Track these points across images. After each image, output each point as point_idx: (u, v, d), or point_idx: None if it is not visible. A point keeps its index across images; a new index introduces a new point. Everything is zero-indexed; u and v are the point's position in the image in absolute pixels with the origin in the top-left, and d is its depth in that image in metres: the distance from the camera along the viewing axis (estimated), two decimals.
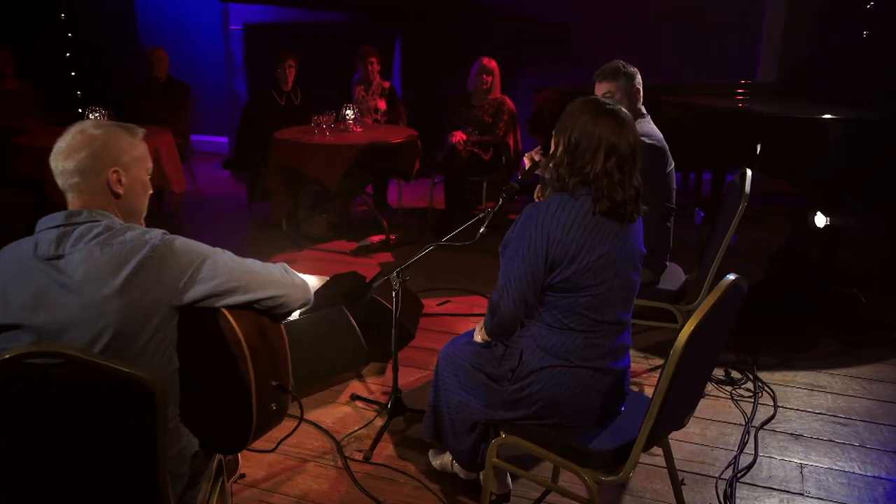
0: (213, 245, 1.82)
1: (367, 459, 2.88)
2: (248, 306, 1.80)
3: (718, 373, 3.55)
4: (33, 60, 7.75)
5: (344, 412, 3.24)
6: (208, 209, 6.47)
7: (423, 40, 7.72)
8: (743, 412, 3.25)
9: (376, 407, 3.24)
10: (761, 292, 4.53)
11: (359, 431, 3.08)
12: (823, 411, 3.28)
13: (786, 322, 4.15)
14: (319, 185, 5.41)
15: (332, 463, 2.87)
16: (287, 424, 3.08)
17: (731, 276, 2.01)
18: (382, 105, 6.19)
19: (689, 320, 1.88)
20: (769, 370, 3.63)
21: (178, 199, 5.52)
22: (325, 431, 3.07)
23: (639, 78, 3.26)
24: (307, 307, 1.98)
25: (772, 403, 3.32)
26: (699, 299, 3.33)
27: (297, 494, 2.68)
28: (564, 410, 2.20)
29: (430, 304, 4.34)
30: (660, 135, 3.20)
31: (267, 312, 1.85)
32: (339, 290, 3.76)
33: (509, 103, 5.91)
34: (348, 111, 5.46)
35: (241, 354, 1.76)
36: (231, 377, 1.78)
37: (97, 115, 5.20)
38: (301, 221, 5.58)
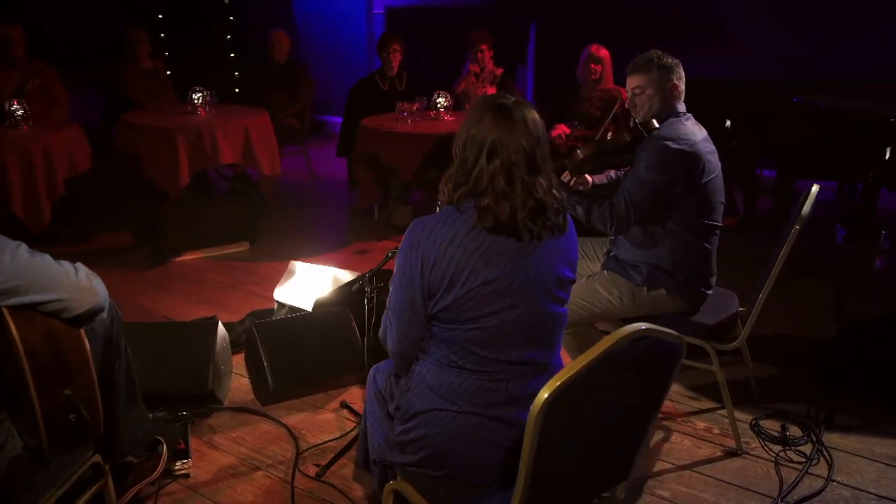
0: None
1: (318, 476, 2.65)
2: (32, 308, 1.64)
3: (772, 427, 2.95)
4: (195, 41, 8.28)
5: (325, 420, 3.03)
6: (312, 193, 6.50)
7: (560, 26, 7.28)
8: (781, 481, 2.66)
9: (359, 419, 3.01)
10: (878, 329, 3.76)
11: (330, 443, 2.86)
12: (892, 496, 2.60)
13: (892, 371, 3.39)
14: None
15: (281, 475, 2.68)
16: (264, 427, 2.99)
17: (639, 326, 1.57)
18: (492, 93, 5.88)
19: (547, 385, 1.48)
20: (844, 431, 2.96)
21: (270, 181, 5.56)
22: (295, 439, 2.88)
23: (679, 71, 2.75)
24: (98, 312, 1.78)
25: (825, 475, 2.70)
26: (741, 337, 2.79)
27: None
28: (452, 463, 1.85)
29: None
30: (695, 138, 2.67)
31: (56, 316, 1.68)
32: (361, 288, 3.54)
33: (625, 96, 5.37)
34: (440, 98, 5.22)
35: (19, 357, 1.61)
36: (20, 382, 1.64)
37: (199, 94, 5.35)
38: (391, 210, 5.43)
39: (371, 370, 2.24)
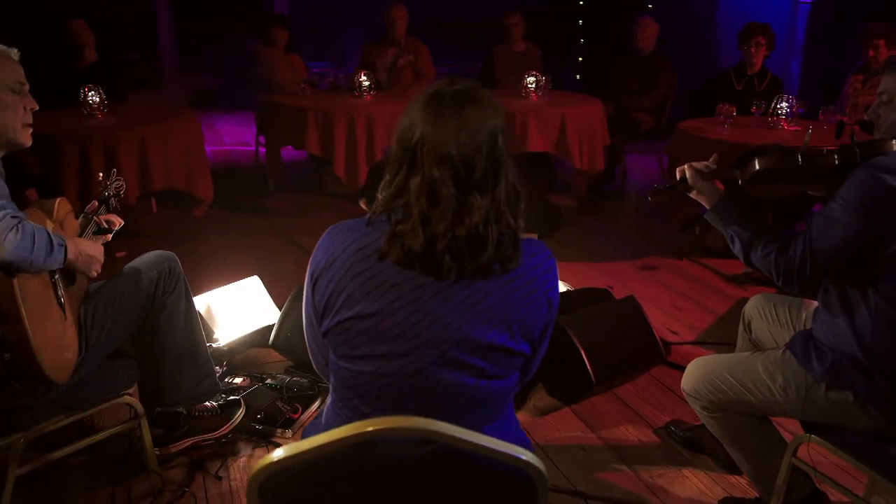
0: None
1: None
2: None
3: None
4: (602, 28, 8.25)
5: None
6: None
7: None
8: None
9: None
10: None
11: None
12: None
13: None
14: None
15: None
16: None
17: (415, 423, 1.08)
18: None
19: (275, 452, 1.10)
20: None
21: (583, 175, 5.27)
22: None
23: None
24: (4, 266, 1.77)
25: None
26: None
27: None
28: None
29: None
30: None
31: None
32: None
33: None
34: (782, 103, 4.30)
35: None
36: None
37: (533, 78, 5.29)
38: (695, 223, 4.71)
39: None
